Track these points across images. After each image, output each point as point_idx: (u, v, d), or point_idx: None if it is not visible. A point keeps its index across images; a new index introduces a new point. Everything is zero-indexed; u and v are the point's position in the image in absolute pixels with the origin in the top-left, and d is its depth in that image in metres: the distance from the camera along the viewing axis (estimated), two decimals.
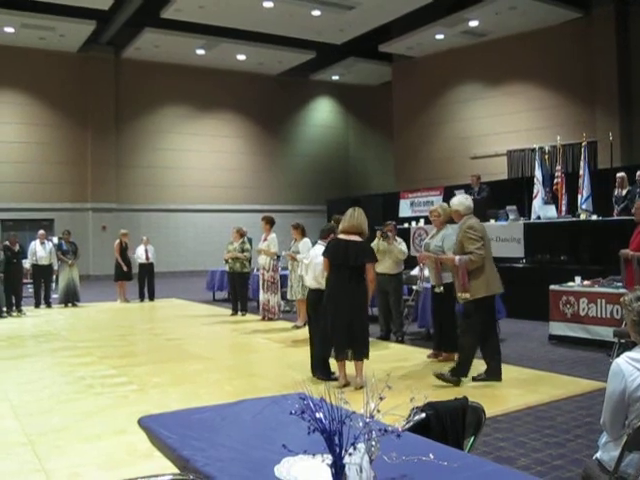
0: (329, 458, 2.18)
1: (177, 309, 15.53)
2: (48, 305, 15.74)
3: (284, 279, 13.18)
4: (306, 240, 11.79)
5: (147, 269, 16.85)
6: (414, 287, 10.57)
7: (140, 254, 16.77)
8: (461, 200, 7.33)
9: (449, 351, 8.54)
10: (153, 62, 25.39)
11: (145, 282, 16.86)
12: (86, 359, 9.25)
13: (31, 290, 16.13)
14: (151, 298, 16.86)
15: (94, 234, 24.32)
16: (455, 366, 7.20)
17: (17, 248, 14.72)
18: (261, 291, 12.86)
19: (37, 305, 15.65)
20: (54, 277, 16.34)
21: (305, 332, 11.23)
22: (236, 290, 13.86)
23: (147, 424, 2.98)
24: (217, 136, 27.38)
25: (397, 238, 10.39)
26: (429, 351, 8.96)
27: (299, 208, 27.12)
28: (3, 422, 6.17)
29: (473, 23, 21.61)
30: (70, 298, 15.99)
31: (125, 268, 16.55)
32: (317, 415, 2.15)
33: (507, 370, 7.49)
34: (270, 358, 9.54)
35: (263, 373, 8.36)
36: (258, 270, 13.17)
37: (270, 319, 12.73)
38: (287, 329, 11.89)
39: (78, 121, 24.86)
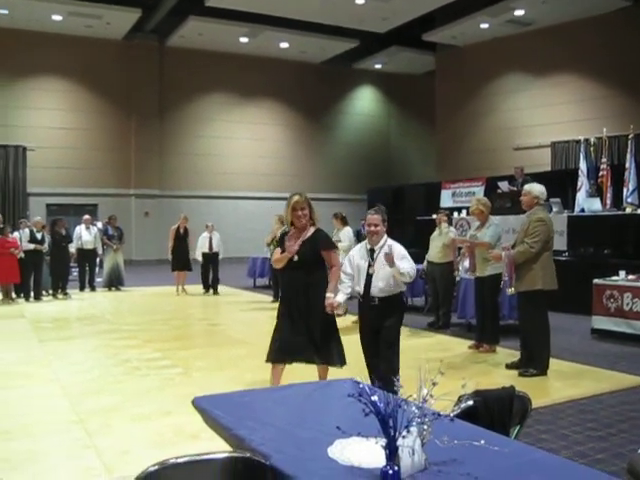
0: (383, 440, 2.24)
1: (219, 295, 15.68)
2: (92, 289, 16.03)
3: None
4: (348, 229, 11.86)
5: (211, 259, 15.53)
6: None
7: (202, 243, 15.58)
8: (542, 190, 7.28)
9: (490, 343, 8.56)
10: (197, 50, 25.56)
11: (209, 273, 15.71)
12: (131, 342, 9.42)
13: (76, 274, 16.41)
14: (215, 290, 15.68)
15: (137, 220, 24.66)
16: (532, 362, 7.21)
17: (64, 232, 15.02)
18: None
19: (82, 288, 15.93)
20: (98, 261, 16.60)
21: (347, 320, 11.39)
22: (277, 277, 13.95)
23: (201, 404, 3.07)
24: (259, 124, 27.50)
25: (449, 227, 10.65)
26: (470, 342, 8.98)
27: (339, 197, 27.13)
28: (54, 401, 6.35)
29: (519, 12, 21.35)
30: (114, 282, 16.26)
31: (169, 256, 15.66)
32: (373, 398, 2.22)
33: (550, 363, 7.46)
34: None
35: None
36: None
37: None
38: None
39: (122, 108, 25.18)
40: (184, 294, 15.50)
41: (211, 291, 15.70)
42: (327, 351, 5.84)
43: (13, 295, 14.44)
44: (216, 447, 2.82)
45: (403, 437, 2.21)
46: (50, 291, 15.04)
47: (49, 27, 23.11)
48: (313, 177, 28.04)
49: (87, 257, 15.82)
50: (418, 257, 13.47)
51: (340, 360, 5.85)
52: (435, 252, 10.64)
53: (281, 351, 5.90)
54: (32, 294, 14.56)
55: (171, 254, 15.58)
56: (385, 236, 5.82)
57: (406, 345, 9.03)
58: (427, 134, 28.96)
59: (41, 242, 14.52)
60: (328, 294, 5.67)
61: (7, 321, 11.78)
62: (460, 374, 6.93)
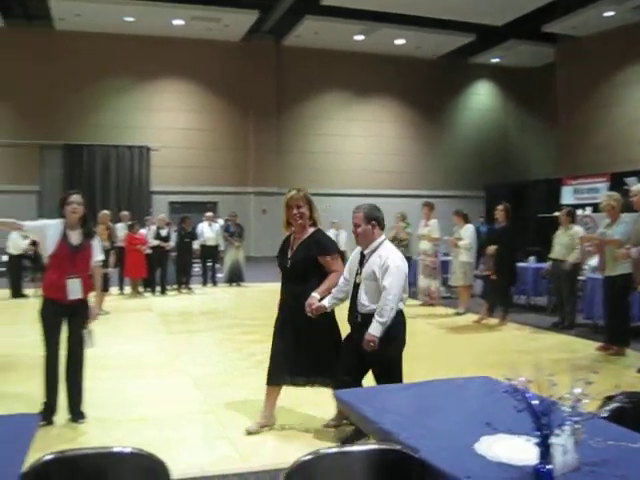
0: (534, 438, 2.23)
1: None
2: (214, 284, 16.51)
3: (444, 265, 13.18)
4: (469, 226, 11.75)
5: None
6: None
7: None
8: None
9: (619, 345, 8.27)
10: (312, 49, 25.81)
11: None
12: (254, 336, 9.63)
13: (198, 269, 16.94)
14: None
15: (255, 217, 25.17)
16: None
17: (190, 229, 15.57)
18: (421, 276, 12.90)
19: (204, 284, 16.44)
20: (220, 257, 17.06)
21: (467, 319, 11.30)
22: None
23: (343, 397, 3.14)
24: (374, 121, 27.52)
25: (573, 225, 10.39)
26: (597, 344, 8.70)
27: (456, 193, 26.77)
28: (188, 392, 6.61)
29: None
30: (235, 278, 16.68)
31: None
32: (527, 395, 2.21)
33: None
34: (433, 343, 9.56)
35: (428, 357, 8.39)
36: (418, 255, 13.20)
37: (430, 305, 12.74)
38: (448, 315, 11.89)
39: (241, 108, 25.77)
40: None
41: None
42: (320, 370, 5.19)
43: (140, 289, 15.08)
44: None
45: (556, 435, 2.19)
46: (174, 286, 15.61)
47: (171, 32, 23.92)
48: (429, 174, 27.81)
49: (209, 253, 16.32)
50: (540, 255, 13.25)
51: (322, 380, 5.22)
52: (559, 250, 10.42)
53: (276, 371, 5.35)
54: (158, 288, 15.16)
55: None
56: (379, 239, 4.81)
57: (529, 346, 8.92)
58: (546, 129, 28.15)
59: (166, 239, 15.08)
60: (314, 294, 4.98)
61: (137, 314, 12.33)
62: (588, 376, 6.72)
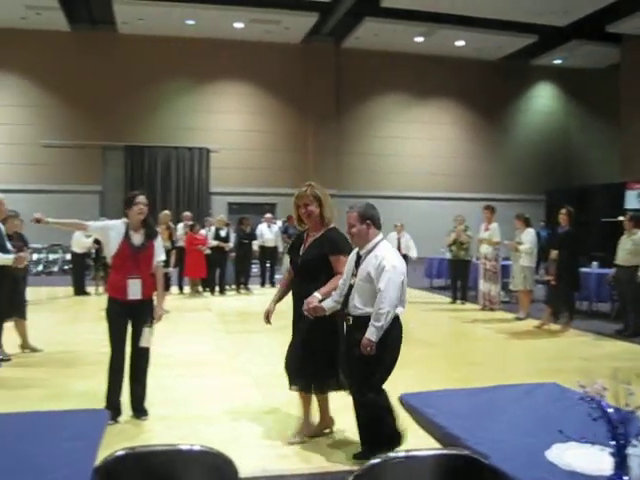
0: (609, 448, 2.17)
1: None
2: (272, 285, 16.56)
3: (505, 269, 13.00)
4: (530, 230, 11.58)
5: None
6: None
7: (392, 243, 14.52)
8: None
9: None
10: (372, 51, 25.73)
11: None
12: None
13: (256, 270, 17.05)
14: None
15: None
16: None
17: (249, 230, 15.70)
18: (481, 280, 12.74)
19: (262, 284, 16.55)
20: (279, 258, 17.12)
21: (527, 324, 11.12)
22: (456, 277, 13.83)
23: (409, 402, 3.12)
24: (433, 123, 27.31)
25: (637, 230, 10.15)
26: None
27: (515, 197, 26.35)
28: (248, 392, 6.66)
29: None
30: None
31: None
32: (603, 404, 2.16)
33: None
34: (493, 348, 9.45)
35: (488, 362, 8.30)
36: (478, 259, 13.05)
37: (490, 309, 12.58)
38: (508, 320, 11.72)
39: (300, 110, 25.86)
40: None
41: None
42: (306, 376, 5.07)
43: (199, 289, 15.26)
44: (415, 444, 2.81)
45: (634, 446, 2.13)
46: (233, 286, 15.75)
47: (231, 34, 24.17)
48: (489, 177, 27.47)
49: (268, 254, 16.42)
50: (603, 261, 12.98)
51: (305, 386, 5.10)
52: (622, 255, 10.19)
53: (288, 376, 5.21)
54: (217, 288, 15.32)
55: None
56: (375, 239, 4.59)
57: (592, 353, 8.74)
58: (610, 132, 27.51)
59: (225, 239, 15.23)
60: (315, 293, 4.73)
61: (197, 313, 12.48)
62: None
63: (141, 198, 5.67)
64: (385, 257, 4.43)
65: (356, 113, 26.47)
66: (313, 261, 5.00)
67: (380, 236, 4.64)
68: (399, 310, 4.49)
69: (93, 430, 2.53)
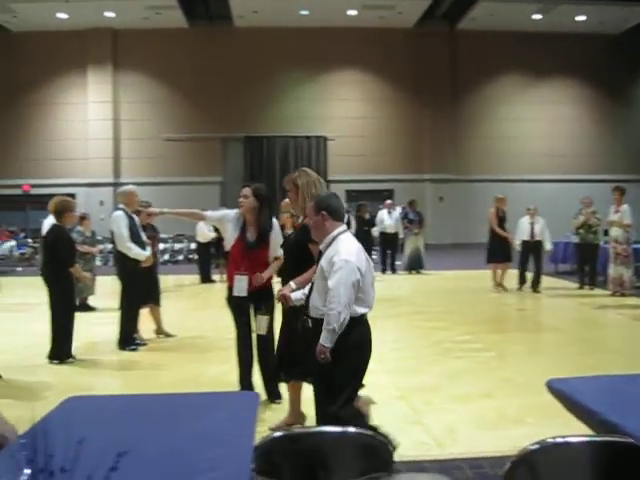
0: None
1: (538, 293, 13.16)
2: (393, 271, 16.54)
3: (637, 252, 12.45)
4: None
5: (530, 248, 12.88)
6: None
7: (522, 229, 13.07)
8: None
9: None
10: (488, 31, 25.09)
11: (527, 264, 13.12)
12: (439, 324, 9.56)
13: (375, 256, 17.04)
14: (534, 287, 12.93)
15: (432, 204, 24.91)
16: None
17: (368, 216, 15.72)
18: (612, 265, 12.20)
19: (383, 271, 16.50)
20: (399, 245, 17.03)
21: None
22: (583, 262, 13.30)
23: (558, 387, 3.03)
24: (554, 103, 26.33)
25: None
26: None
27: None
28: (378, 377, 6.61)
29: None
30: (415, 265, 16.59)
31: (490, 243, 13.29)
32: None
33: None
34: (627, 335, 9.08)
35: (623, 350, 7.98)
36: (607, 243, 12.52)
37: (622, 294, 12.03)
38: None
39: (414, 95, 25.59)
40: (502, 290, 13.09)
41: (527, 286, 13.14)
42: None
43: None
44: (543, 433, 2.67)
45: None
46: None
47: (345, 22, 24.17)
48: (614, 157, 26.23)
49: (389, 240, 16.38)
50: None
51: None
52: None
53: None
54: None
55: (492, 242, 13.26)
56: (334, 231, 4.03)
57: None
58: None
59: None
60: (291, 282, 4.51)
61: None
62: None
63: (243, 190, 5.62)
64: (339, 251, 3.91)
65: (472, 96, 25.96)
66: (292, 248, 4.93)
67: (341, 228, 4.09)
68: (361, 310, 3.99)
69: (247, 411, 2.60)
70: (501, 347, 7.94)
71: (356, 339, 3.94)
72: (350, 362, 3.95)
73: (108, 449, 1.62)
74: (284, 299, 4.45)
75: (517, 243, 13.15)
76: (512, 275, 13.17)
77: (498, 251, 13.06)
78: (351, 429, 2.35)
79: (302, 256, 4.63)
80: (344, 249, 3.89)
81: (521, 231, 13.16)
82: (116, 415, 2.62)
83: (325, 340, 3.81)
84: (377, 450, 2.28)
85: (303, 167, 5.26)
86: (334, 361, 3.82)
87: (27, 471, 1.47)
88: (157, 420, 2.52)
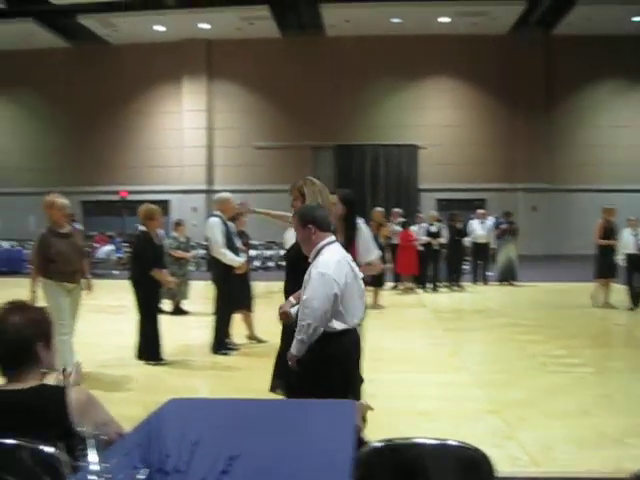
0: None
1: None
2: (485, 282, 16.23)
3: None
4: None
5: (635, 261, 11.97)
6: None
7: (627, 242, 12.11)
8: None
9: None
10: (584, 36, 24.35)
11: (633, 279, 12.12)
12: (533, 337, 9.32)
13: (467, 267, 16.76)
14: (635, 302, 11.95)
15: (525, 214, 24.26)
16: None
17: (460, 226, 15.52)
18: None
19: (474, 281, 16.23)
20: (492, 255, 16.69)
21: None
22: None
23: None
24: None
25: None
26: None
27: None
28: (470, 390, 6.55)
29: None
30: (508, 276, 16.22)
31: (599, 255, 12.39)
32: None
33: None
34: None
35: None
36: None
37: None
38: None
39: (507, 102, 25.18)
40: (606, 306, 12.20)
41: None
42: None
43: (411, 285, 15.30)
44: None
45: None
46: (445, 282, 15.62)
47: (437, 29, 24.08)
48: None
49: (481, 251, 16.06)
50: None
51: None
52: None
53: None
54: (429, 285, 15.28)
55: (600, 256, 12.41)
56: (321, 243, 3.90)
57: None
58: None
59: (436, 235, 15.14)
60: (291, 297, 4.31)
61: (411, 310, 12.55)
62: None
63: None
64: (318, 262, 3.82)
65: (567, 103, 25.33)
66: (292, 258, 4.78)
67: (328, 239, 3.95)
68: (338, 326, 3.84)
69: (346, 419, 2.58)
70: (600, 363, 7.69)
71: (331, 354, 3.83)
72: (329, 377, 3.82)
73: (216, 452, 1.64)
74: (285, 316, 4.26)
75: (621, 258, 12.21)
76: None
77: (605, 265, 12.18)
78: (452, 441, 2.31)
79: (303, 270, 4.24)
80: (322, 261, 3.81)
81: (625, 244, 12.20)
82: (220, 418, 2.66)
83: (293, 347, 3.81)
84: (478, 464, 2.23)
85: (309, 176, 5.18)
86: (312, 375, 3.78)
87: (145, 470, 1.50)
88: (260, 425, 2.54)
